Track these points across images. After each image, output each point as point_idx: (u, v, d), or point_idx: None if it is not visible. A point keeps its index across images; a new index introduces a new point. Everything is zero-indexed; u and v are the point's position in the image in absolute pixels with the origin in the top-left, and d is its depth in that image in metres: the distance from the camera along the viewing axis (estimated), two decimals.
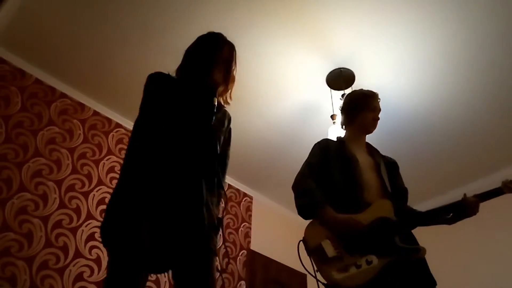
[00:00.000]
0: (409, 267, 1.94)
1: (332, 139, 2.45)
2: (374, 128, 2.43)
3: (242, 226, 4.78)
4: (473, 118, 4.00)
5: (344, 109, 2.50)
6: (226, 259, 4.39)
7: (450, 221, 2.15)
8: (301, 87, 3.80)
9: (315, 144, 2.40)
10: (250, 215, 4.95)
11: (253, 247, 4.73)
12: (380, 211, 2.03)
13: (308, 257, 2.02)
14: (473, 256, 4.48)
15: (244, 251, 4.64)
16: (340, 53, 3.51)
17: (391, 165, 2.39)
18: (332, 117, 3.72)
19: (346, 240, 1.97)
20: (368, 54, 3.51)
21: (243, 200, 4.96)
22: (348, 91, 3.71)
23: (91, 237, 3.47)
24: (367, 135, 2.46)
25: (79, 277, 3.29)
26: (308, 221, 2.15)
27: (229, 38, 3.53)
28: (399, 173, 2.40)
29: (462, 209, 2.07)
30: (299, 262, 2.02)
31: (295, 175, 2.29)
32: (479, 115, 3.97)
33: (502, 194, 2.05)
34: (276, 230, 5.06)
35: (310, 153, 2.37)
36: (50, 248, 3.22)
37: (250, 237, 4.79)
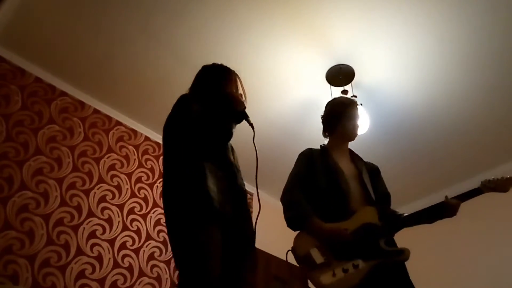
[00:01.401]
0: (396, 269, 2.03)
1: (316, 148, 2.50)
2: (356, 135, 2.48)
3: None
4: (471, 115, 4.01)
5: (324, 119, 2.55)
6: None
7: (431, 221, 2.20)
8: (301, 84, 3.80)
9: (300, 155, 2.47)
10: (251, 212, 4.95)
11: None
12: (365, 217, 2.12)
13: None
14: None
15: None
16: (339, 49, 3.51)
17: (373, 172, 2.45)
18: None
19: (333, 247, 2.05)
20: (367, 51, 3.51)
21: None
22: (348, 87, 3.72)
23: (92, 234, 3.48)
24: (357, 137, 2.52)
25: (81, 275, 3.30)
26: None
27: (229, 35, 3.57)
28: (381, 178, 2.47)
29: (443, 211, 2.12)
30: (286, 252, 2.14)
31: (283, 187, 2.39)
32: (477, 112, 3.98)
33: (482, 194, 2.08)
34: (276, 226, 5.04)
35: (295, 164, 2.44)
36: (52, 246, 3.23)
37: None
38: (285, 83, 3.79)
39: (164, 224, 3.51)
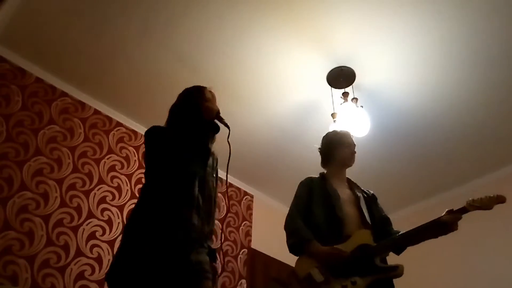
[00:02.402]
0: (391, 284, 2.21)
1: (315, 176, 2.65)
2: (353, 162, 2.65)
3: (242, 224, 4.78)
4: (473, 117, 4.00)
5: (322, 150, 2.72)
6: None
7: (436, 237, 2.26)
8: (302, 86, 3.80)
9: (300, 184, 2.64)
10: (251, 214, 4.95)
11: (254, 245, 4.74)
12: (360, 239, 2.27)
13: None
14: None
15: (245, 250, 4.64)
16: (340, 51, 3.51)
17: (370, 198, 2.60)
18: (333, 115, 3.72)
19: (331, 266, 2.21)
20: (368, 53, 3.51)
21: (244, 198, 4.96)
22: (348, 89, 3.72)
23: (92, 235, 3.47)
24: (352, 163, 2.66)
25: (80, 276, 3.29)
26: None
27: (230, 36, 3.57)
28: (378, 204, 2.61)
29: (443, 227, 2.19)
30: None
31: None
32: (479, 114, 3.97)
33: (467, 212, 2.14)
34: (276, 228, 5.02)
35: (296, 192, 2.61)
36: (51, 247, 3.23)
37: (251, 236, 4.79)
38: (286, 84, 3.79)
39: None
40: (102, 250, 3.48)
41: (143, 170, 4.11)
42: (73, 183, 3.56)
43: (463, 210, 2.14)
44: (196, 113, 2.07)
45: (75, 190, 3.55)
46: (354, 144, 2.68)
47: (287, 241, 2.43)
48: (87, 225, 3.48)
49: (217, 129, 2.09)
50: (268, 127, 4.21)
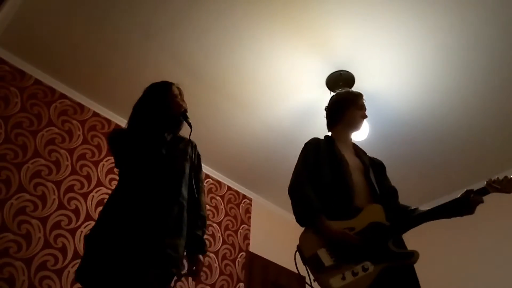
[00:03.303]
0: (405, 272, 1.97)
1: (320, 138, 2.44)
2: (361, 127, 2.46)
3: (241, 228, 4.77)
4: (471, 122, 4.00)
5: (330, 108, 2.51)
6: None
7: (449, 217, 2.12)
8: (301, 90, 3.80)
9: (306, 144, 2.40)
10: (249, 217, 4.95)
11: (252, 249, 4.73)
12: (372, 216, 2.05)
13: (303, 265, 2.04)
14: (468, 259, 4.46)
15: (243, 253, 4.63)
16: (340, 55, 3.51)
17: (378, 167, 2.38)
18: None
19: (341, 249, 1.98)
20: (368, 57, 3.51)
21: (242, 202, 4.95)
22: None
23: None
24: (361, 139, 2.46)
25: None
26: None
27: (229, 40, 3.57)
28: (386, 174, 2.40)
29: (461, 206, 2.05)
30: (298, 263, 2.04)
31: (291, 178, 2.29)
32: (478, 119, 3.97)
33: (488, 194, 2.03)
34: (275, 232, 5.05)
35: (302, 154, 2.36)
36: (49, 249, 3.22)
37: (249, 239, 4.78)
38: (286, 88, 3.79)
39: None
40: None
41: None
42: (72, 185, 3.56)
43: (483, 191, 2.01)
44: (163, 107, 2.09)
45: (73, 192, 3.54)
46: (366, 109, 2.46)
47: (293, 208, 2.18)
48: (85, 227, 3.47)
49: (178, 125, 2.15)
50: (267, 131, 4.21)
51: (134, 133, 2.02)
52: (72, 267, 3.27)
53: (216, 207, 4.63)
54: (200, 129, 4.03)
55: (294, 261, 2.05)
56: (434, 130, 4.12)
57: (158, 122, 2.05)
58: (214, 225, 4.52)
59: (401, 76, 3.64)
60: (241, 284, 4.43)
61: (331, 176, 2.19)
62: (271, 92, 3.83)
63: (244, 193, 5.00)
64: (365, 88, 3.74)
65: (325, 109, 2.56)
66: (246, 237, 4.77)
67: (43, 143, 3.52)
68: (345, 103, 2.44)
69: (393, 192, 2.32)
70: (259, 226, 4.95)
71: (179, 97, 2.18)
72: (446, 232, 4.28)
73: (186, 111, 2.13)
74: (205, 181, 4.66)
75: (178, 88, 2.23)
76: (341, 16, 3.21)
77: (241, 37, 3.39)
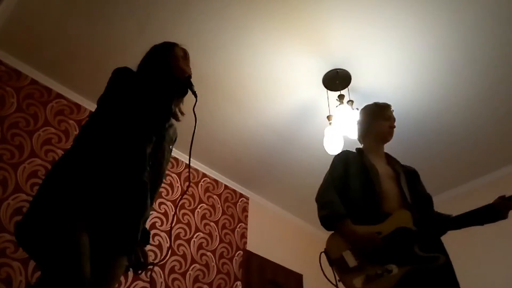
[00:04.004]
0: (429, 275, 1.98)
1: (352, 150, 2.51)
2: (391, 136, 2.53)
3: (238, 226, 4.78)
4: (469, 119, 4.02)
5: (359, 122, 2.62)
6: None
7: (482, 224, 2.11)
8: (298, 88, 3.81)
9: (335, 157, 2.49)
10: (246, 216, 4.95)
11: (249, 247, 4.74)
12: (399, 221, 2.09)
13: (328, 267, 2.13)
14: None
15: (240, 252, 4.64)
16: (336, 54, 3.52)
17: (411, 174, 2.44)
18: (328, 117, 3.72)
19: (365, 251, 2.04)
20: (364, 55, 3.52)
21: (239, 200, 4.96)
22: (344, 92, 3.72)
23: None
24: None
25: None
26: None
27: (225, 38, 3.57)
28: (420, 181, 2.44)
29: (493, 213, 2.05)
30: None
31: (318, 188, 2.37)
32: (475, 116, 3.99)
33: None
34: (272, 230, 5.06)
35: (331, 165, 2.44)
36: None
37: (246, 238, 4.79)
38: (282, 87, 3.80)
39: (160, 228, 3.50)
40: None
41: None
42: None
43: None
44: (165, 70, 1.87)
45: None
46: (394, 117, 2.55)
47: (318, 213, 2.25)
48: None
49: (184, 92, 1.87)
50: (264, 129, 4.22)
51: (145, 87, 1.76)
52: None
53: (213, 206, 4.63)
54: (196, 127, 4.05)
55: (319, 264, 2.14)
56: (431, 128, 4.13)
57: (161, 88, 1.78)
58: (211, 223, 4.53)
59: (397, 74, 3.65)
60: (238, 283, 4.44)
61: (360, 183, 2.26)
62: (267, 90, 3.84)
63: (241, 192, 5.01)
64: (361, 86, 3.75)
65: (357, 124, 2.65)
66: (243, 236, 4.78)
67: (39, 143, 3.52)
68: (372, 115, 2.55)
69: (427, 199, 2.36)
70: (256, 224, 4.96)
71: (181, 60, 1.96)
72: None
73: (190, 76, 1.89)
74: (202, 180, 4.67)
75: (183, 49, 2.03)
76: (338, 14, 3.22)
77: (237, 36, 3.39)
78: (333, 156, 2.51)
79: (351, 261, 2.05)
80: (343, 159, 2.43)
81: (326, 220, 2.21)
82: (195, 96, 1.83)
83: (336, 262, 2.10)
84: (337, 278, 2.07)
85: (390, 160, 2.50)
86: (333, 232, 2.21)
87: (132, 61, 3.54)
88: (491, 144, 4.27)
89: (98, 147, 1.64)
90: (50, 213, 1.48)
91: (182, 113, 1.94)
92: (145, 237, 1.84)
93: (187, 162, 4.51)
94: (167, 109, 1.74)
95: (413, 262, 1.98)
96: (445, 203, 4.09)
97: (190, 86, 1.85)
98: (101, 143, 1.65)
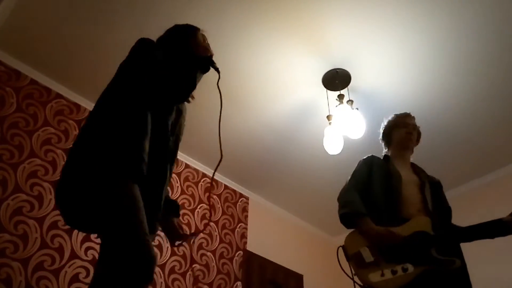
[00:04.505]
0: (444, 277, 2.04)
1: (378, 156, 2.58)
2: (411, 142, 2.61)
3: (238, 226, 4.78)
4: (469, 119, 4.02)
5: (382, 133, 2.70)
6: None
7: (492, 237, 2.18)
8: (297, 88, 3.80)
9: (360, 160, 2.54)
10: (246, 216, 4.95)
11: (249, 247, 4.74)
12: (418, 226, 2.15)
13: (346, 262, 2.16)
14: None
15: (240, 252, 4.64)
16: (336, 53, 3.51)
17: (436, 185, 2.50)
18: (328, 117, 3.72)
19: (383, 248, 2.10)
20: (364, 55, 3.52)
21: (239, 200, 4.96)
22: (344, 91, 3.72)
23: (87, 238, 3.46)
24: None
25: (75, 278, 3.27)
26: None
27: (224, 38, 3.57)
28: (443, 192, 2.51)
29: (504, 228, 2.11)
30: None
31: (341, 191, 2.42)
32: (476, 116, 3.99)
33: None
34: (272, 230, 5.06)
35: (356, 168, 2.51)
36: (46, 249, 3.21)
37: (246, 238, 4.79)
38: (282, 87, 3.80)
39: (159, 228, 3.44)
40: (97, 252, 3.46)
41: None
42: None
43: None
44: (188, 48, 1.92)
45: None
46: (412, 124, 2.63)
47: (338, 211, 2.31)
48: None
49: (207, 68, 1.93)
50: (264, 129, 4.21)
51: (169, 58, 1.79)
52: (69, 267, 3.27)
53: (213, 206, 4.63)
54: (196, 127, 4.05)
55: (337, 259, 2.18)
56: (431, 128, 4.12)
57: (185, 61, 1.84)
58: (211, 224, 4.52)
59: (397, 74, 3.65)
60: (239, 283, 4.44)
61: (382, 188, 2.32)
62: (267, 90, 3.84)
63: (241, 192, 5.01)
64: (361, 86, 3.75)
65: (380, 136, 2.74)
66: (243, 236, 4.78)
67: (39, 143, 3.51)
68: (391, 125, 2.65)
69: (447, 210, 2.40)
70: (256, 224, 4.96)
71: (203, 42, 2.03)
72: None
73: (212, 55, 1.97)
74: (202, 179, 4.67)
75: (203, 35, 2.07)
76: (337, 13, 3.22)
77: (237, 37, 3.39)
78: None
79: (368, 257, 2.10)
80: (368, 163, 2.49)
81: (347, 218, 2.26)
82: (218, 72, 1.94)
83: (353, 257, 2.14)
84: (353, 272, 2.12)
85: (416, 169, 2.56)
86: (352, 230, 2.26)
87: None
88: (492, 143, 4.27)
89: (124, 116, 1.66)
90: (102, 171, 1.49)
91: (192, 97, 1.98)
92: (175, 208, 1.93)
93: (186, 162, 4.51)
94: (192, 79, 1.78)
95: (429, 263, 2.04)
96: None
97: (212, 63, 1.93)
98: (127, 111, 1.67)
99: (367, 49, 3.47)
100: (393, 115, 2.72)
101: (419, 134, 2.69)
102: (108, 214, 1.44)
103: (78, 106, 3.89)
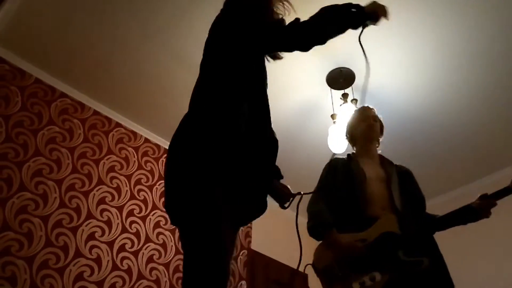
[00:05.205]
0: (411, 281, 1.98)
1: (342, 157, 2.54)
2: (374, 133, 2.55)
3: None
4: (474, 118, 4.00)
5: (346, 134, 2.69)
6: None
7: (465, 223, 2.16)
8: (301, 87, 3.80)
9: (325, 165, 2.52)
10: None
11: (254, 246, 4.73)
12: (385, 226, 2.10)
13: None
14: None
15: (245, 251, 4.63)
16: (340, 52, 3.50)
17: (405, 175, 2.44)
18: (332, 116, 3.71)
19: (350, 260, 2.06)
20: (368, 54, 3.50)
21: None
22: (348, 90, 3.71)
23: (91, 236, 3.47)
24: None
25: (79, 277, 3.28)
26: None
27: None
28: (415, 181, 2.45)
29: (474, 213, 2.09)
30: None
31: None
32: (478, 116, 3.97)
33: (509, 194, 2.04)
34: (277, 230, 5.04)
35: (321, 174, 2.48)
36: (50, 248, 3.22)
37: (251, 237, 4.78)
38: (286, 86, 3.79)
39: (164, 227, 3.46)
40: (102, 251, 3.48)
41: (143, 171, 4.12)
42: (72, 183, 3.56)
43: (507, 190, 2.03)
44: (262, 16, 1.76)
45: (74, 190, 3.54)
46: (372, 116, 2.59)
47: (307, 224, 2.27)
48: (86, 226, 3.48)
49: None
50: None
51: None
52: (74, 265, 3.28)
53: None
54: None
55: (313, 271, 2.17)
56: (435, 127, 4.11)
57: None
58: None
59: (401, 73, 3.63)
60: (243, 282, 4.43)
61: (346, 189, 2.27)
62: (271, 89, 3.75)
63: None
64: (365, 85, 3.73)
65: (345, 137, 2.72)
66: (248, 235, 4.77)
67: (43, 142, 3.53)
68: (351, 123, 2.63)
69: (419, 200, 2.36)
70: (260, 224, 4.91)
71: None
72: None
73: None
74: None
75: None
76: None
77: None
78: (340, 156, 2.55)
79: (336, 271, 2.08)
80: (332, 166, 2.46)
81: (313, 231, 2.24)
82: (363, 27, 1.96)
83: (322, 272, 2.13)
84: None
85: (383, 161, 2.50)
86: (321, 242, 2.24)
87: (135, 60, 3.56)
88: (498, 143, 4.24)
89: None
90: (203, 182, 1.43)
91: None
92: (278, 171, 1.99)
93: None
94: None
95: (395, 268, 1.98)
96: (449, 203, 4.05)
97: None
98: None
99: (372, 48, 3.45)
100: (353, 112, 2.72)
101: (381, 125, 2.63)
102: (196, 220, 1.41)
103: (82, 105, 3.90)
